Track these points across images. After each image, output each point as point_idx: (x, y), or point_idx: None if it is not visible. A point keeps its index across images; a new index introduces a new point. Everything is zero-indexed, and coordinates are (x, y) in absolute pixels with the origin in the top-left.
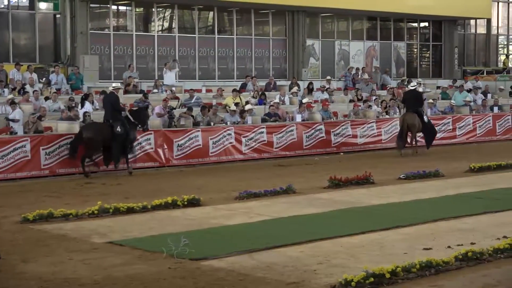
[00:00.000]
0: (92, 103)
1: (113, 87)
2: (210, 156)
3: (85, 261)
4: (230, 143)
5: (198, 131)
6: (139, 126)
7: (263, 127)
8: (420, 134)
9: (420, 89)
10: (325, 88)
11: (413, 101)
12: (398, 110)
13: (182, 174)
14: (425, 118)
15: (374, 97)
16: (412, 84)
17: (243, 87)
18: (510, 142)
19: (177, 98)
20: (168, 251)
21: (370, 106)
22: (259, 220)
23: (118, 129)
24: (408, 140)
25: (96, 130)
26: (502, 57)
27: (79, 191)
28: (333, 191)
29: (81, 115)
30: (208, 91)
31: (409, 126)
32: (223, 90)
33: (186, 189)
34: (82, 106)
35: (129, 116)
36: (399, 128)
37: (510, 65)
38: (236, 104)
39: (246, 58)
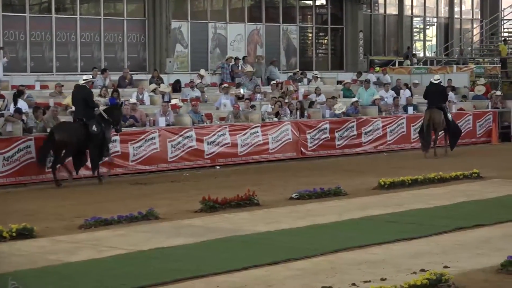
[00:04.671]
0: None
1: (84, 79)
2: (46, 173)
3: None
4: None
5: (31, 140)
6: (113, 125)
7: (115, 135)
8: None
9: (317, 84)
10: (196, 83)
11: (438, 96)
12: (289, 111)
13: (10, 196)
14: (449, 116)
15: (258, 95)
16: (435, 77)
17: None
18: None
19: (1, 96)
20: None
21: (253, 107)
22: (111, 255)
23: (94, 128)
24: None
25: (69, 131)
26: (422, 44)
27: None
28: (207, 215)
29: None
30: (43, 87)
31: (434, 125)
32: (63, 86)
33: (14, 216)
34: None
35: (103, 114)
36: (423, 126)
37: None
38: None
39: (93, 45)
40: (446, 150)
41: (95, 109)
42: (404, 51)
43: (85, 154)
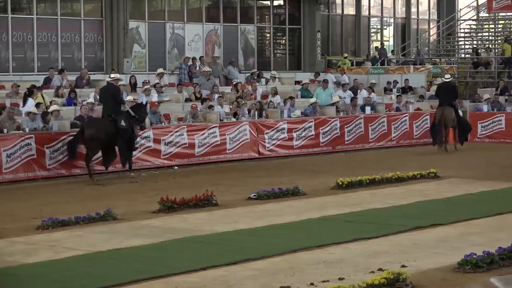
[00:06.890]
0: None
1: (111, 77)
2: (3, 174)
3: None
4: (30, 156)
5: None
6: (139, 122)
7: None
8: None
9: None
10: (154, 84)
11: (449, 94)
12: (247, 112)
13: None
14: (460, 113)
15: (216, 95)
16: (446, 76)
17: (47, 83)
18: (385, 150)
19: None
20: None
21: (211, 107)
22: (69, 256)
23: (123, 123)
24: None
25: (99, 127)
26: (375, 44)
27: None
28: (166, 216)
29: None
30: None
31: (446, 121)
32: (20, 86)
33: None
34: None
35: (130, 111)
36: (434, 121)
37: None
38: (37, 105)
39: (50, 45)
40: (455, 145)
41: (122, 106)
42: (362, 51)
43: (114, 149)
